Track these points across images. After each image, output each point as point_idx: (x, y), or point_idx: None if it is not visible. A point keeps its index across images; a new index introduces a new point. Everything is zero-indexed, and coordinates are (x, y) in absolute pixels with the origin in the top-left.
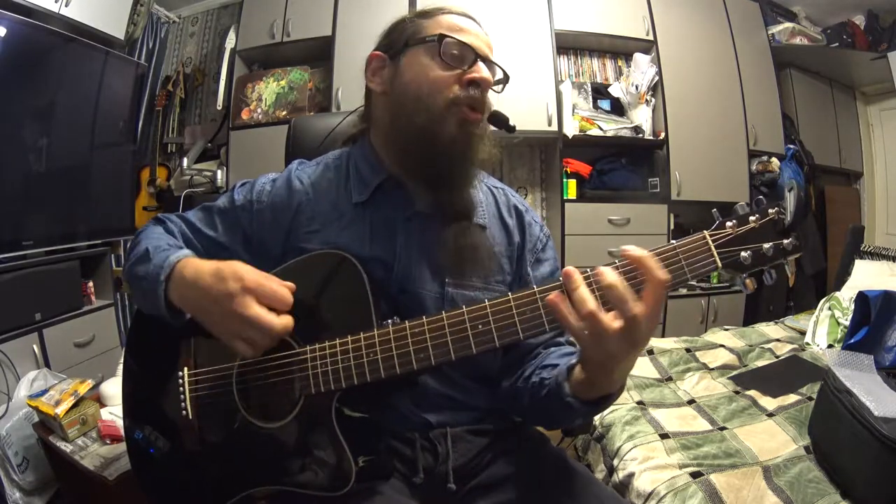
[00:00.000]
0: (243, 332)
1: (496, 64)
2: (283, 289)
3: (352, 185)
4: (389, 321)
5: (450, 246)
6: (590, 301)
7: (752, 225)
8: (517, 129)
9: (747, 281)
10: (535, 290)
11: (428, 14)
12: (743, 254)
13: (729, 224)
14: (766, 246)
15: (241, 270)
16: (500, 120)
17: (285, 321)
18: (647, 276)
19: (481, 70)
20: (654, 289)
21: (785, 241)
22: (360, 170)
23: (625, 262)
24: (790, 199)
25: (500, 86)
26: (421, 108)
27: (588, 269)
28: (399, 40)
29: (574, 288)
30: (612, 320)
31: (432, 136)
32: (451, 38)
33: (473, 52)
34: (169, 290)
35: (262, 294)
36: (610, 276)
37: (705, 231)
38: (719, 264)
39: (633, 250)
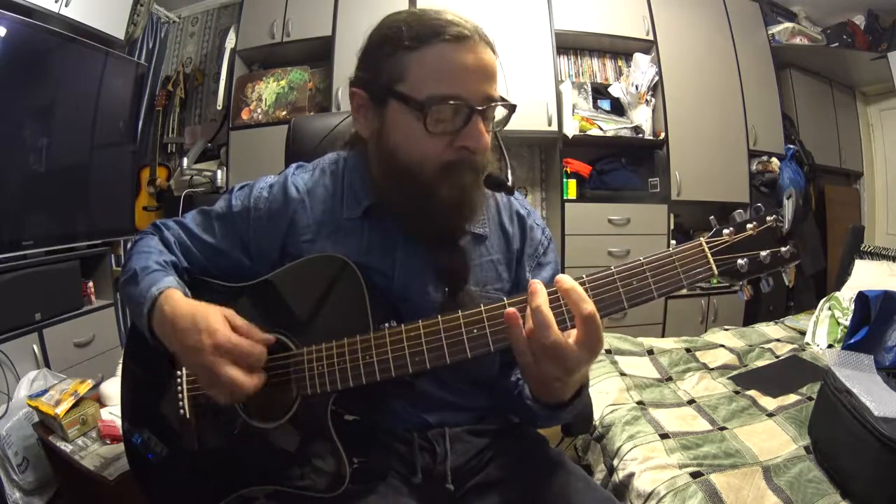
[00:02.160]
0: (213, 387)
1: (496, 103)
2: (256, 348)
3: (345, 200)
4: (386, 325)
5: (454, 253)
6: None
7: (750, 233)
8: (516, 129)
9: (745, 288)
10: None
11: (412, 45)
12: (739, 261)
13: (726, 231)
14: (763, 254)
15: (215, 324)
16: (496, 184)
17: (255, 382)
18: (573, 307)
19: (474, 134)
20: (582, 320)
21: (783, 249)
22: (353, 185)
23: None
24: (788, 207)
25: (503, 125)
26: (411, 176)
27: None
28: (380, 80)
29: (535, 305)
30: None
31: (425, 201)
32: (439, 99)
33: (467, 107)
34: (152, 320)
35: (234, 355)
36: (541, 296)
37: (702, 238)
38: (715, 272)
39: (565, 281)
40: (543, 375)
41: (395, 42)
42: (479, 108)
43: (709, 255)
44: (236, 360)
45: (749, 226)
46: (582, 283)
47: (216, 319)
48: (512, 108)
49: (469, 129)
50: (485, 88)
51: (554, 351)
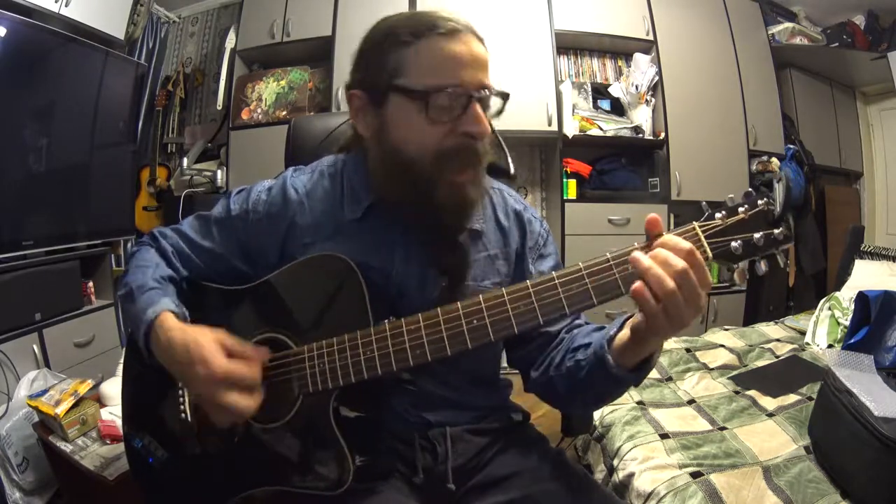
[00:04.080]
0: (216, 413)
1: (492, 91)
2: (251, 370)
3: (345, 201)
4: (386, 320)
5: (452, 248)
6: (667, 279)
7: (742, 216)
8: (516, 129)
9: (737, 273)
10: (528, 283)
11: (408, 39)
12: (733, 244)
13: (718, 215)
14: (756, 236)
15: (208, 354)
16: (498, 171)
17: (253, 403)
18: (675, 250)
19: (475, 119)
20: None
21: (776, 232)
22: (353, 185)
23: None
24: (779, 190)
25: (498, 115)
26: (413, 170)
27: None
28: (379, 78)
29: (646, 268)
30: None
31: (426, 197)
32: (438, 91)
33: (466, 93)
34: (149, 342)
35: (231, 382)
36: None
37: (695, 222)
38: (710, 254)
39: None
40: (659, 328)
41: (392, 39)
42: (477, 94)
43: (702, 239)
44: (236, 387)
45: (741, 209)
46: (578, 270)
47: (209, 349)
48: (506, 97)
49: (469, 115)
50: (480, 77)
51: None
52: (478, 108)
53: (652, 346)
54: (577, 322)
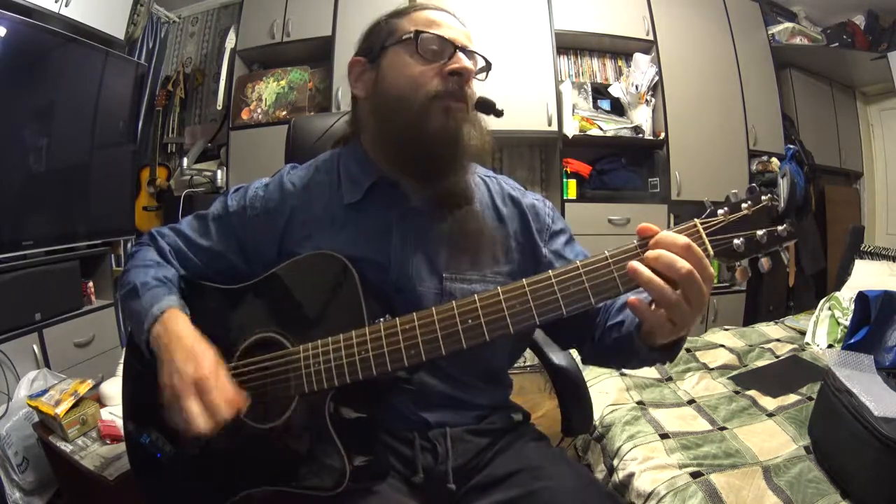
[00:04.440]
0: (170, 409)
1: (477, 53)
2: (228, 404)
3: (343, 188)
4: (381, 319)
5: (450, 232)
6: (680, 261)
7: (745, 212)
8: (516, 129)
9: (737, 272)
10: (524, 282)
11: (402, 13)
12: (736, 241)
13: (720, 212)
14: (759, 233)
15: (206, 362)
16: (486, 106)
17: (206, 426)
18: (675, 248)
19: (461, 60)
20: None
21: (779, 228)
22: (350, 172)
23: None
24: (783, 186)
25: (483, 74)
26: (404, 106)
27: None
28: (377, 43)
29: (655, 257)
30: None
31: (418, 130)
32: (427, 32)
33: (451, 43)
34: (150, 334)
35: (205, 394)
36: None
37: (696, 219)
38: (711, 252)
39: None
40: (692, 306)
41: (391, 14)
42: (461, 48)
43: (703, 236)
44: (204, 399)
45: (744, 205)
46: (575, 269)
47: (210, 361)
48: (488, 64)
49: (455, 58)
50: (464, 41)
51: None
52: (462, 56)
53: (676, 332)
54: None
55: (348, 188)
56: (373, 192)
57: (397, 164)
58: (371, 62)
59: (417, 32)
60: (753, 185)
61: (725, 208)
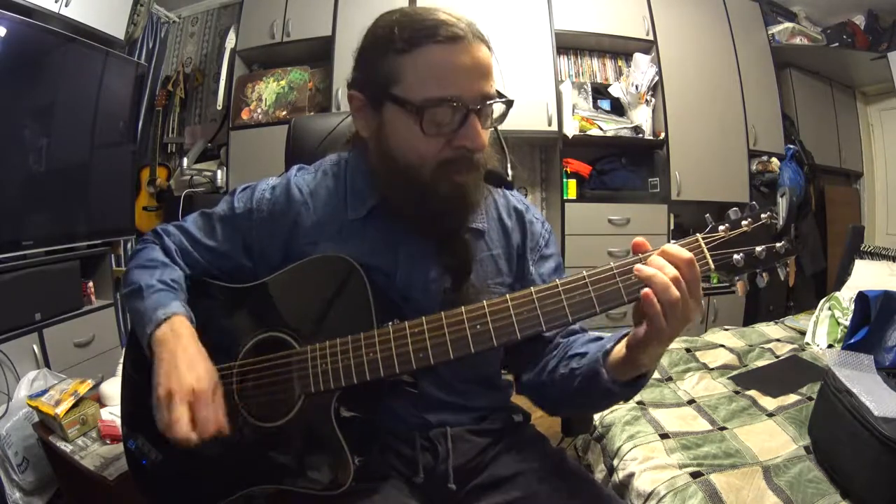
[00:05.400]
0: (159, 411)
1: (493, 99)
2: (217, 423)
3: (349, 201)
4: (390, 322)
5: (447, 266)
6: (671, 284)
7: (745, 229)
8: (516, 129)
9: (738, 284)
10: (532, 290)
11: (405, 46)
12: (735, 256)
13: (721, 228)
14: (758, 249)
15: (207, 377)
16: (496, 179)
17: (189, 437)
18: (675, 261)
19: (471, 134)
20: (685, 264)
21: (777, 245)
22: (356, 185)
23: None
24: (783, 204)
25: (501, 121)
26: (411, 175)
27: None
28: (375, 83)
29: (650, 275)
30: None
31: (425, 195)
32: (432, 106)
33: (464, 107)
34: (152, 339)
35: (198, 406)
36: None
37: (698, 234)
38: (712, 266)
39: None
40: (660, 336)
41: (388, 45)
42: (476, 107)
43: (705, 251)
44: (196, 410)
45: (744, 222)
46: (582, 279)
47: (212, 379)
48: (509, 104)
49: (466, 130)
50: (480, 86)
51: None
52: (476, 122)
53: (646, 362)
54: (573, 328)
55: (353, 202)
56: (377, 208)
57: (402, 210)
58: (370, 103)
59: (420, 109)
60: (753, 203)
61: (726, 224)
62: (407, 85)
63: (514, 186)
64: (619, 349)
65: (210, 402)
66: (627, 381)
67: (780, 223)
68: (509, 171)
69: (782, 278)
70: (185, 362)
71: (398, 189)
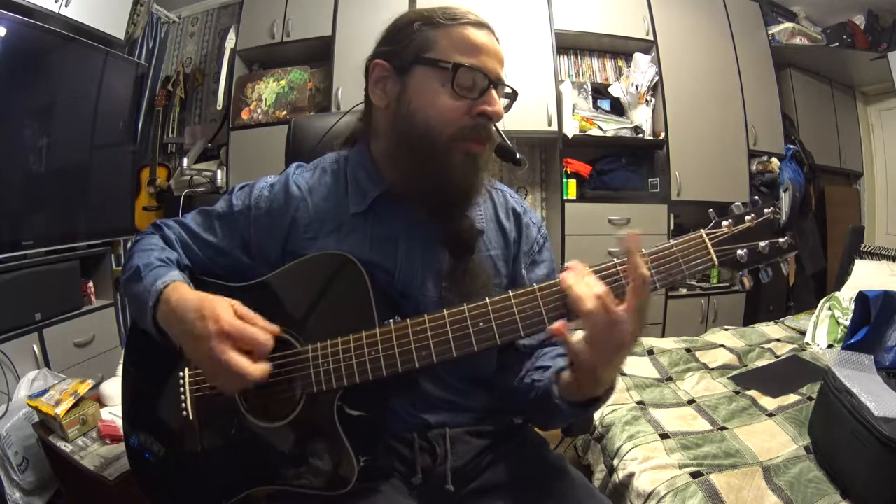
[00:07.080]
0: (218, 376)
1: (507, 85)
2: (262, 334)
3: (350, 195)
4: (391, 321)
5: (447, 267)
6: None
7: (748, 224)
8: (516, 129)
9: (745, 278)
10: (535, 287)
11: (439, 23)
12: (739, 252)
13: (725, 223)
14: (761, 244)
15: (220, 310)
16: (506, 152)
17: (261, 369)
18: (631, 272)
19: (494, 101)
20: (634, 287)
21: (780, 240)
22: (357, 178)
23: (604, 267)
24: (786, 200)
25: (506, 110)
26: (428, 140)
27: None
28: (406, 52)
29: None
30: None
31: (437, 166)
32: (466, 66)
33: (487, 78)
34: (157, 314)
35: (239, 339)
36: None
37: (702, 230)
38: (716, 262)
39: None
40: (596, 360)
41: (426, 20)
42: (496, 82)
43: (709, 246)
44: (241, 346)
45: (747, 217)
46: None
47: (222, 307)
48: (515, 96)
49: (488, 96)
50: (498, 70)
51: (617, 322)
52: (495, 93)
53: (588, 383)
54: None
55: (354, 196)
56: (378, 201)
57: (408, 187)
58: (396, 71)
59: (456, 66)
60: (756, 197)
61: (730, 220)
62: (441, 50)
63: (523, 165)
64: (570, 370)
65: (243, 326)
66: (578, 402)
67: (784, 218)
68: (517, 154)
69: (785, 273)
70: (194, 316)
71: (409, 160)
